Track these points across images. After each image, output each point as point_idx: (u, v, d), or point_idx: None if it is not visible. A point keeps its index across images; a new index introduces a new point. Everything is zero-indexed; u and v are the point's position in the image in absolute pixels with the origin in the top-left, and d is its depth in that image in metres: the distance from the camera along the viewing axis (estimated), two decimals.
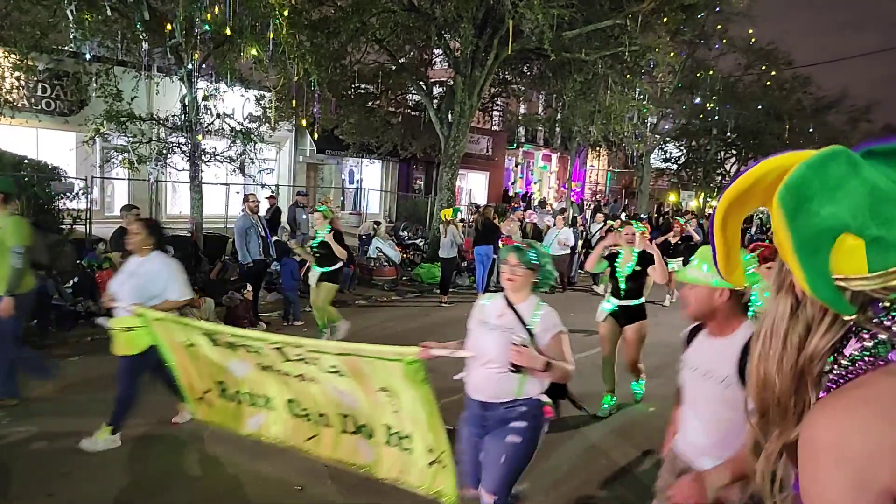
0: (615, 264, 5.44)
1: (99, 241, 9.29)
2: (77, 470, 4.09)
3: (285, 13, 8.85)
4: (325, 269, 7.15)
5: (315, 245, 7.19)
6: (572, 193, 25.05)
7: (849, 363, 0.82)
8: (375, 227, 12.48)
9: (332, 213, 7.80)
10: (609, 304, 5.48)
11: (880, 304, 0.80)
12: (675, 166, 28.23)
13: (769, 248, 3.72)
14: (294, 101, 10.83)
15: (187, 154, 10.18)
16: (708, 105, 22.89)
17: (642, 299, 5.55)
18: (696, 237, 11.63)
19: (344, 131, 15.07)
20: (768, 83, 24.23)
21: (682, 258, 9.89)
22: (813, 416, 0.81)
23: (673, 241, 11.17)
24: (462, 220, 12.75)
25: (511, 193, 23.28)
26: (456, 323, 4.33)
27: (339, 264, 7.24)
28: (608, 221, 13.61)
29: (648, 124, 21.36)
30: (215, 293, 8.31)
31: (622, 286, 5.39)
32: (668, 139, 25.86)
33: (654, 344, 5.99)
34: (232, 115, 10.58)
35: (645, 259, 5.34)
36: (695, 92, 22.57)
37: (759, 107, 23.85)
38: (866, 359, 0.80)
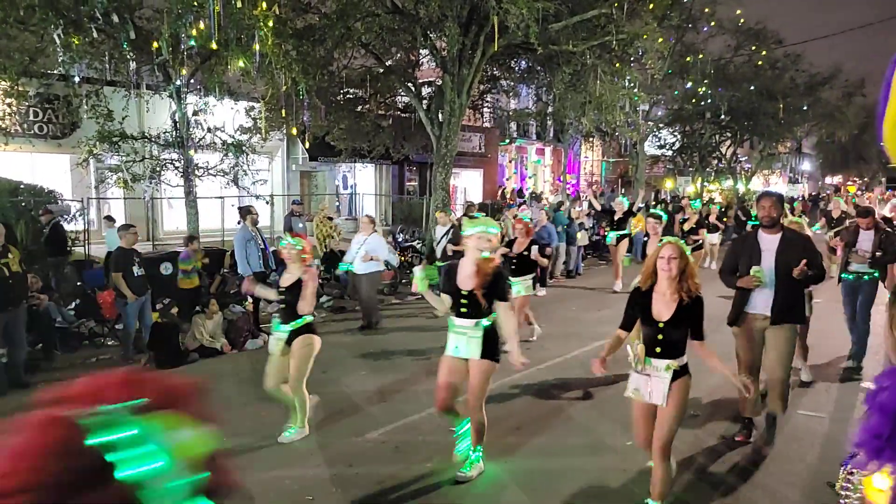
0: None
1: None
2: None
3: (270, 24, 8.87)
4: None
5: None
6: (568, 186, 25.03)
7: None
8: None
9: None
10: None
11: None
12: (669, 152, 28.20)
13: None
14: (283, 111, 10.84)
15: (180, 170, 10.21)
16: (700, 89, 22.84)
17: None
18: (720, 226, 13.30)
19: (335, 137, 15.07)
20: (760, 63, 24.17)
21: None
22: None
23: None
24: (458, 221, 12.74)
25: (506, 190, 23.26)
26: None
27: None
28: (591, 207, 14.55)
29: (641, 112, 21.32)
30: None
31: None
32: (661, 126, 25.83)
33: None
34: (223, 129, 10.61)
35: None
36: (686, 77, 22.54)
37: (752, 87, 23.80)
38: None
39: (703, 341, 3.47)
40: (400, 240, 14.25)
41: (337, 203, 19.41)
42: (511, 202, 19.00)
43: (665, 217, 5.94)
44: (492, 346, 4.09)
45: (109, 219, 11.23)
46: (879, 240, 6.52)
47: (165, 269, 8.66)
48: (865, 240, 6.63)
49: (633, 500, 3.90)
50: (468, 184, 24.72)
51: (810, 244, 4.67)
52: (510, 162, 27.51)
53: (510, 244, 7.67)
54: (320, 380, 5.60)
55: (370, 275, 8.60)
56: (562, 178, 24.59)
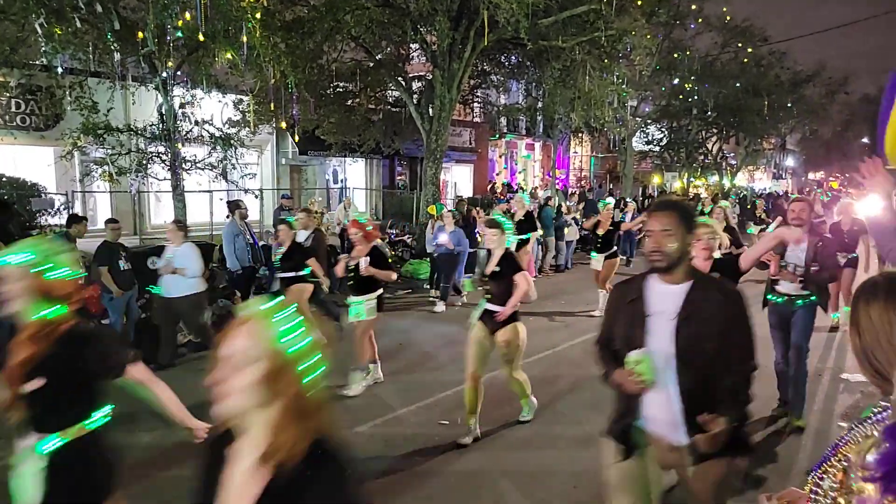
0: None
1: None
2: None
3: (258, 16, 8.77)
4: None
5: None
6: (557, 181, 25.11)
7: None
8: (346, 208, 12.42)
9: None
10: None
11: None
12: (657, 148, 28.38)
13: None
14: (272, 104, 10.75)
15: (168, 163, 10.09)
16: (687, 85, 23.00)
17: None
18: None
19: (325, 131, 14.98)
20: (745, 60, 24.38)
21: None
22: None
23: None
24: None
25: (496, 185, 23.29)
26: (452, 317, 4.33)
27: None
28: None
29: (629, 108, 21.42)
30: None
31: None
32: (649, 121, 25.98)
33: None
34: (210, 122, 10.49)
35: None
36: (673, 73, 22.67)
37: (738, 84, 24.01)
38: None
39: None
40: (391, 234, 14.22)
41: (327, 198, 19.29)
42: (501, 197, 19.01)
43: (507, 226, 4.74)
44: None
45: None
46: (814, 250, 4.75)
47: (152, 263, 8.56)
48: (796, 249, 4.82)
49: None
50: (458, 178, 24.71)
51: (740, 305, 2.35)
52: (500, 157, 27.53)
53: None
54: None
55: (188, 298, 6.56)
56: (551, 174, 24.65)
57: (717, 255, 3.91)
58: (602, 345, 2.58)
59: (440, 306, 9.40)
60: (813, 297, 4.84)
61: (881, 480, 1.23)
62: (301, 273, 7.04)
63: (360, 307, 5.78)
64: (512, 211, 10.78)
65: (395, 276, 6.08)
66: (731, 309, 2.32)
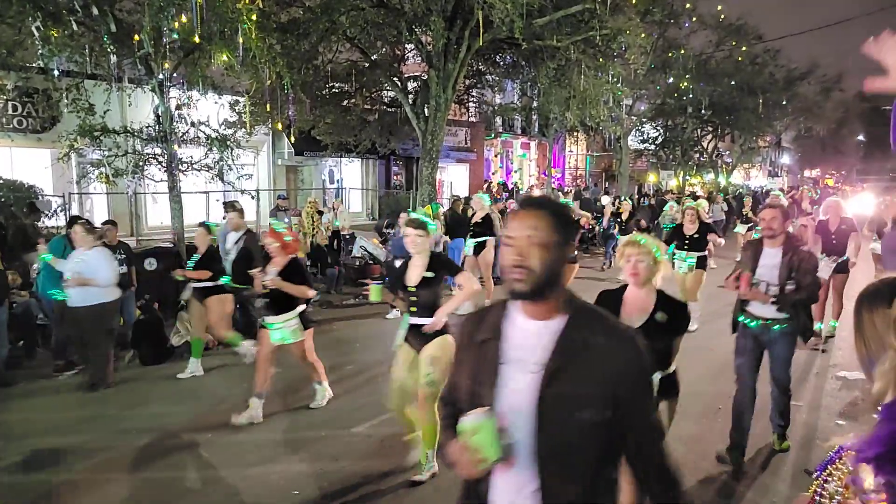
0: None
1: None
2: (82, 481, 4.12)
3: (253, 17, 8.80)
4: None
5: None
6: (553, 180, 25.17)
7: None
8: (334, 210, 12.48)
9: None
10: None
11: None
12: (653, 147, 28.48)
13: None
14: (268, 105, 10.78)
15: (164, 164, 10.11)
16: (682, 84, 23.07)
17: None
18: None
19: (321, 132, 15.02)
20: (740, 58, 24.48)
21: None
22: None
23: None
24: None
25: (493, 184, 23.34)
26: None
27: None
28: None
29: (624, 106, 21.50)
30: None
31: None
32: (644, 120, 26.06)
33: None
34: (207, 123, 10.51)
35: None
36: (668, 71, 22.74)
37: (733, 82, 24.10)
38: None
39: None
40: (388, 234, 14.25)
41: (324, 198, 19.31)
42: (497, 196, 19.05)
43: (432, 226, 4.13)
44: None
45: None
46: (789, 264, 4.03)
47: (150, 264, 8.61)
48: (769, 264, 4.10)
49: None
50: (454, 178, 24.76)
51: (638, 354, 1.54)
52: (496, 156, 27.60)
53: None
54: (305, 376, 5.62)
55: (92, 308, 5.90)
56: (547, 173, 24.72)
57: (658, 284, 3.09)
58: (446, 403, 1.79)
59: (394, 313, 8.67)
60: (789, 322, 4.11)
61: (873, 462, 1.20)
62: (219, 283, 6.39)
63: (283, 331, 5.10)
64: (473, 211, 9.64)
65: (311, 293, 5.20)
66: (626, 359, 1.51)
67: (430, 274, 4.04)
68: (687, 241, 7.95)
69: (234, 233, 7.27)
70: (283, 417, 5.30)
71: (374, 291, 4.45)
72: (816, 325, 6.92)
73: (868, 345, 1.36)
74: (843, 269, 7.36)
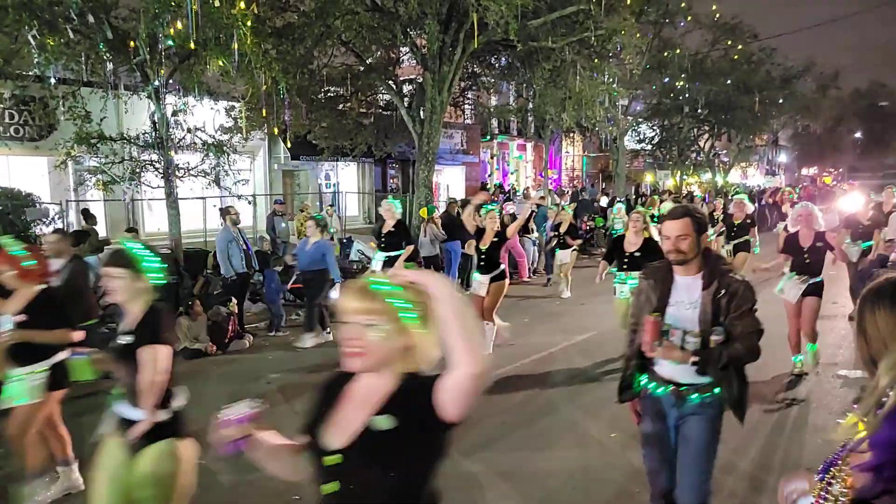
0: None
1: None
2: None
3: (249, 23, 8.83)
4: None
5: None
6: (549, 181, 25.20)
7: None
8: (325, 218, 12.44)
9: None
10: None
11: None
12: (649, 147, 28.52)
13: None
14: (264, 110, 10.81)
15: (161, 171, 10.13)
16: (678, 83, 23.13)
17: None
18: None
19: (317, 136, 15.04)
20: (736, 57, 24.54)
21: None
22: None
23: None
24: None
25: (489, 187, 23.39)
26: None
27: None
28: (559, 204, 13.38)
29: (620, 107, 21.54)
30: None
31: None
32: (640, 120, 26.11)
33: None
34: (203, 129, 10.54)
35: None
36: (664, 71, 22.79)
37: (729, 81, 24.15)
38: None
39: None
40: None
41: (319, 202, 19.33)
42: (494, 199, 19.09)
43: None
44: None
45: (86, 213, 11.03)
46: (714, 301, 2.64)
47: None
48: (683, 301, 2.72)
49: (618, 492, 4.00)
50: (451, 180, 24.77)
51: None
52: (492, 158, 27.63)
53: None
54: (305, 379, 5.63)
55: None
56: (543, 174, 24.75)
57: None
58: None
59: (308, 340, 7.47)
60: (717, 390, 2.67)
61: (874, 471, 1.21)
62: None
63: (22, 385, 3.55)
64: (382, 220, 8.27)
65: (76, 336, 3.66)
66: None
67: (131, 339, 2.78)
68: (626, 260, 6.20)
69: (58, 259, 5.36)
70: (284, 421, 5.29)
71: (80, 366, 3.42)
72: (795, 358, 6.04)
73: (870, 343, 1.36)
74: (814, 291, 5.78)
